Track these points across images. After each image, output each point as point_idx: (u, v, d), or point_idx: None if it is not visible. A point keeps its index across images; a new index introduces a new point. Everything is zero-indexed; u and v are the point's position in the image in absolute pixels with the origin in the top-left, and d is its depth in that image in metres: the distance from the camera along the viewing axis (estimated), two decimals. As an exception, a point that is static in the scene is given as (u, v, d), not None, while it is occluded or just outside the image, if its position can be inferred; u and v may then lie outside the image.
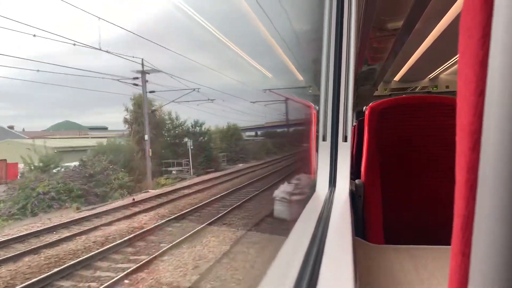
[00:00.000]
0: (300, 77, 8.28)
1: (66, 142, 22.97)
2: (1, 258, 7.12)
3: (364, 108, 2.16)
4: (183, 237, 8.05)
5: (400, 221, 1.81)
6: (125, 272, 6.20)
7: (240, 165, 25.07)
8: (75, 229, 9.31)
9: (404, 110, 1.87)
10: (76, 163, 17.95)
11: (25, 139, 24.28)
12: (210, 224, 9.34)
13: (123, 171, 18.01)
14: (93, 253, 7.17)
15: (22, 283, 5.93)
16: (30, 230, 9.27)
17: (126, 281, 6.05)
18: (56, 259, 7.21)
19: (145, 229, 8.87)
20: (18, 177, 16.84)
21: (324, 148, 1.56)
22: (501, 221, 0.24)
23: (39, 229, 9.31)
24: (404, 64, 5.61)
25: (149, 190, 16.19)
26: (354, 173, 1.96)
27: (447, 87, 6.67)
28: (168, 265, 6.77)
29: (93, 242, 8.22)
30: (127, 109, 21.98)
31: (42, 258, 7.23)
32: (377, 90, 7.11)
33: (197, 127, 25.73)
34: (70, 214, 11.78)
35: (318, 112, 1.71)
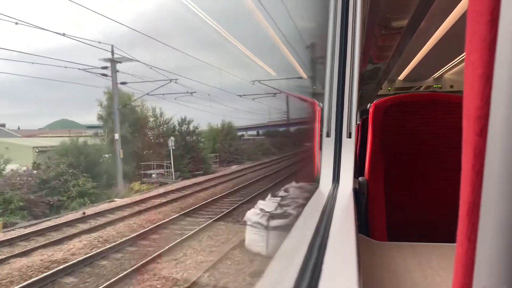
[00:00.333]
0: (304, 75, 8.26)
1: (55, 141, 20.69)
2: None
3: (368, 106, 2.16)
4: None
5: (403, 219, 1.80)
6: None
7: (234, 167, 23.33)
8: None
9: (408, 108, 1.86)
10: (24, 168, 15.41)
11: (16, 137, 23.47)
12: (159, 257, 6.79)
13: (86, 176, 15.54)
14: None
15: None
16: None
17: None
18: None
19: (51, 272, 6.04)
20: None
21: (328, 144, 1.56)
22: (507, 206, 0.24)
23: None
24: (409, 63, 5.58)
25: (115, 199, 13.92)
26: (358, 171, 1.96)
27: (451, 86, 6.63)
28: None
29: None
30: (101, 104, 19.87)
31: None
32: (381, 89, 7.08)
33: (184, 125, 23.52)
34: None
35: (322, 109, 1.71)
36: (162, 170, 20.00)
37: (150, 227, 8.93)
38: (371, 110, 1.90)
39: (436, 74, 6.63)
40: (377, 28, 3.72)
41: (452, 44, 4.26)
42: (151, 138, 22.33)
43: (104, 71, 17.87)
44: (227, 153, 26.34)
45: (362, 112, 5.63)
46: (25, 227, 10.23)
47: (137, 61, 17.95)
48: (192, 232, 8.29)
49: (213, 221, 9.32)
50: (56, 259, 6.90)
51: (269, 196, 8.34)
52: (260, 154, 29.32)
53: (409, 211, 1.82)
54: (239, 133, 35.48)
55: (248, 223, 6.93)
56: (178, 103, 22.31)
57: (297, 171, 17.03)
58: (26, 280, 5.90)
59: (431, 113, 1.83)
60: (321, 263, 0.71)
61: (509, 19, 0.24)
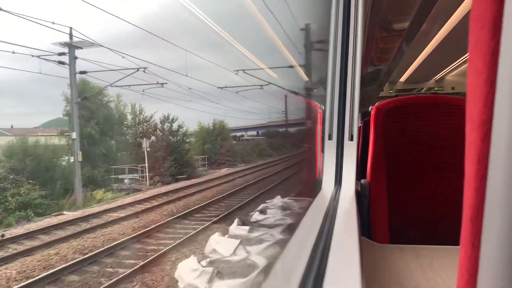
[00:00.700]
0: (305, 77, 8.27)
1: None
2: None
3: (370, 108, 2.16)
4: None
5: (405, 221, 1.80)
6: None
7: (223, 170, 21.48)
8: None
9: (410, 110, 1.86)
10: None
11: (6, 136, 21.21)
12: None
13: (32, 183, 12.98)
14: None
15: None
16: None
17: None
18: None
19: None
20: None
21: (330, 147, 1.56)
22: (511, 211, 0.24)
23: None
24: (410, 65, 5.58)
25: (65, 212, 11.72)
26: (360, 173, 1.96)
27: (452, 88, 6.63)
28: None
29: None
30: (66, 99, 17.32)
31: None
32: (382, 91, 7.08)
33: (166, 124, 21.20)
34: None
35: (324, 111, 1.71)
36: (137, 175, 17.68)
37: (70, 262, 6.56)
38: (373, 112, 1.91)
39: (438, 76, 6.63)
40: (379, 30, 3.73)
41: (453, 46, 4.26)
42: (128, 137, 20.22)
43: (61, 58, 14.93)
44: (218, 155, 24.27)
45: (364, 114, 5.63)
46: None
47: (101, 46, 15.25)
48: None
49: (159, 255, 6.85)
50: None
51: (235, 222, 6.04)
52: (255, 155, 27.78)
53: (411, 213, 1.82)
54: (239, 134, 34.28)
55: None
56: (176, 104, 21.67)
57: (294, 175, 15.99)
58: None
59: (433, 115, 1.83)
60: (325, 265, 0.71)
61: None
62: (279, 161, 23.96)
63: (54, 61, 14.78)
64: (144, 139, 19.10)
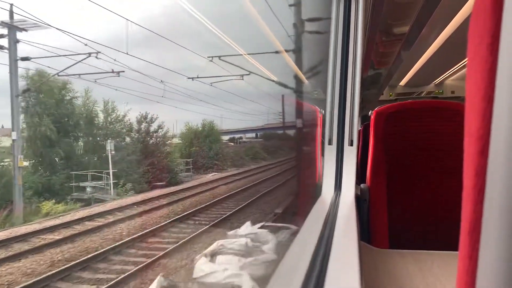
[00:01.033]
0: (305, 81, 8.25)
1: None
2: None
3: (369, 112, 2.16)
4: None
5: (405, 226, 1.80)
6: None
7: (209, 176, 19.46)
8: None
9: (410, 115, 1.87)
10: None
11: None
12: None
13: None
14: None
15: None
16: None
17: None
18: None
19: None
20: None
21: (330, 152, 1.57)
22: (509, 225, 0.25)
23: None
24: (410, 69, 5.59)
25: None
26: (359, 177, 1.96)
27: (452, 92, 6.64)
28: None
29: None
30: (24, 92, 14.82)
31: None
32: (382, 94, 7.09)
33: (144, 124, 18.93)
34: None
35: (324, 115, 1.72)
36: (102, 182, 15.09)
37: None
38: (373, 117, 1.91)
39: (437, 80, 6.64)
40: (379, 34, 3.74)
41: (453, 50, 4.27)
42: (98, 139, 17.61)
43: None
44: (206, 158, 21.91)
45: (364, 118, 5.64)
46: None
47: (50, 26, 12.39)
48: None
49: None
50: None
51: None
52: (248, 159, 25.65)
53: (411, 218, 1.82)
54: (237, 136, 32.88)
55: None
56: (173, 106, 19.29)
57: (289, 180, 14.64)
58: None
59: (433, 120, 1.83)
60: (325, 271, 0.71)
61: (510, 42, 0.25)
62: (274, 166, 22.06)
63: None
64: (109, 140, 16.44)
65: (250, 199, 11.84)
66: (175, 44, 15.91)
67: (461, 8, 3.18)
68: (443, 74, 6.19)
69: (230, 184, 15.82)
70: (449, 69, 5.77)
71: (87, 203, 13.44)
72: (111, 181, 14.95)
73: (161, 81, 17.13)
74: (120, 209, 11.29)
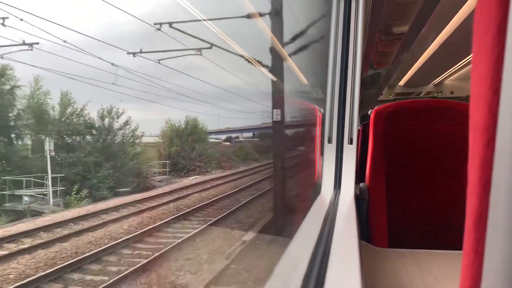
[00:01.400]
0: (305, 81, 8.22)
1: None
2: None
3: (369, 111, 2.16)
4: None
5: (404, 225, 1.80)
6: None
7: (190, 179, 17.30)
8: None
9: (409, 114, 1.87)
10: None
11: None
12: None
13: None
14: None
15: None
16: None
17: None
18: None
19: None
20: None
21: (330, 150, 1.56)
22: None
23: None
24: (409, 69, 5.59)
25: None
26: (359, 177, 1.96)
27: (451, 92, 6.65)
28: None
29: None
30: None
31: None
32: (381, 94, 7.09)
33: (106, 119, 16.18)
34: None
35: (323, 114, 1.71)
36: (43, 190, 12.42)
37: None
38: (372, 116, 1.91)
39: (437, 80, 6.65)
40: (378, 34, 3.74)
41: (453, 50, 4.28)
42: (53, 137, 14.72)
43: None
44: (188, 160, 19.58)
45: (363, 118, 5.65)
46: None
47: None
48: None
49: None
50: None
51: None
52: (238, 159, 23.77)
53: (410, 217, 1.82)
54: (233, 135, 31.58)
55: None
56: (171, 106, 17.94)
57: (282, 184, 12.24)
58: None
59: (432, 119, 1.83)
60: (325, 270, 0.71)
61: None
62: (265, 167, 19.78)
63: None
64: (47, 139, 13.56)
65: (223, 213, 9.68)
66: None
67: (460, 8, 3.18)
68: (442, 74, 6.20)
69: (206, 192, 13.43)
70: (448, 69, 5.78)
71: (21, 215, 10.95)
72: (50, 189, 12.27)
73: (112, 64, 13.19)
74: (47, 229, 8.66)
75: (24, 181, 12.51)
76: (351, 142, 1.56)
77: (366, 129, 2.79)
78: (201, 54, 12.44)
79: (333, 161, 1.54)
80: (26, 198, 11.91)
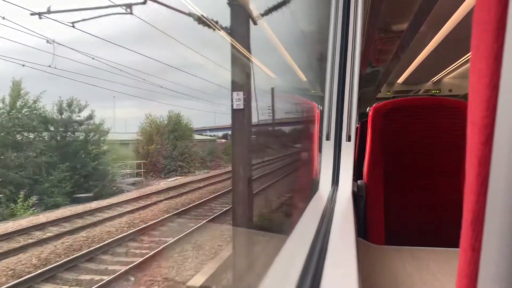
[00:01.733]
0: (304, 78, 8.17)
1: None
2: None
3: (367, 109, 2.17)
4: None
5: (401, 222, 1.81)
6: None
7: (168, 181, 15.27)
8: None
9: (408, 112, 1.87)
10: None
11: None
12: None
13: None
14: None
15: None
16: None
17: None
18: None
19: None
20: None
21: (328, 147, 1.57)
22: None
23: None
24: (408, 67, 5.60)
25: None
26: (356, 174, 1.96)
27: (450, 90, 6.65)
28: None
29: None
30: None
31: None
32: (380, 92, 7.09)
33: (64, 113, 13.93)
34: None
35: (322, 111, 1.71)
36: None
37: None
38: (370, 113, 1.91)
39: (435, 78, 6.65)
40: (377, 31, 3.74)
41: (451, 48, 4.28)
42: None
43: None
44: (168, 159, 17.68)
45: (361, 115, 5.65)
46: None
47: None
48: None
49: None
50: None
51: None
52: (226, 158, 21.35)
53: (407, 215, 1.83)
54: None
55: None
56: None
57: (273, 186, 11.44)
58: None
59: (430, 117, 1.83)
60: (322, 267, 0.71)
61: None
62: (256, 167, 17.26)
63: None
64: None
65: (182, 233, 7.35)
66: None
67: (459, 6, 3.18)
68: (440, 72, 6.20)
69: (182, 196, 11.44)
70: (447, 67, 5.78)
71: None
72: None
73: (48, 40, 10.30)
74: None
75: None
76: (349, 139, 1.56)
77: (364, 127, 2.79)
78: (131, 13, 8.62)
79: (331, 158, 1.54)
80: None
